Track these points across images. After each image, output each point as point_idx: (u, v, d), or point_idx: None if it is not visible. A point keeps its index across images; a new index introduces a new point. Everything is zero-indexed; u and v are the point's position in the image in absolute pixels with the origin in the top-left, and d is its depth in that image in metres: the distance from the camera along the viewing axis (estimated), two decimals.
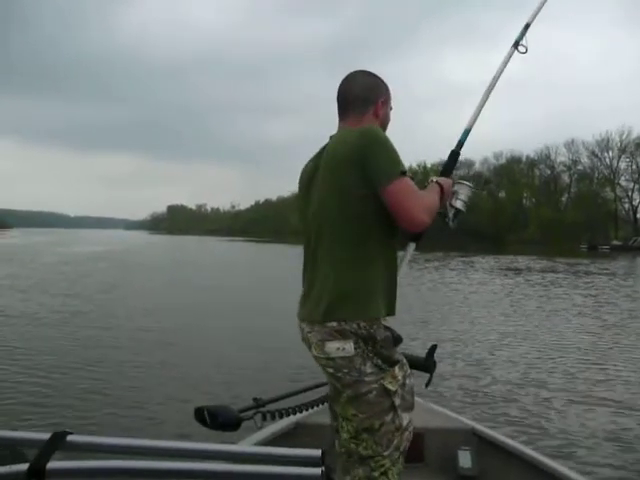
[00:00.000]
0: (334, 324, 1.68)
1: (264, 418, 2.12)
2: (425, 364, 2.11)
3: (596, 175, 74.04)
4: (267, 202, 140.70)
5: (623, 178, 71.35)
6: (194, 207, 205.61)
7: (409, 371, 1.79)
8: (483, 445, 2.64)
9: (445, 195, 1.93)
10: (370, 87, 1.91)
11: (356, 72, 1.96)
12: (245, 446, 1.99)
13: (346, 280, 1.71)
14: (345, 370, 1.68)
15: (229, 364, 6.91)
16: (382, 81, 1.96)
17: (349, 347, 1.66)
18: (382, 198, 1.68)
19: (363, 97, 1.88)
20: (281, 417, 2.23)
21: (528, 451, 2.56)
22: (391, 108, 1.97)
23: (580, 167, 75.09)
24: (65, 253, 33.34)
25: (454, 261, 29.02)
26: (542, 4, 2.42)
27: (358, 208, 1.71)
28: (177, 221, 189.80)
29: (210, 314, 11.16)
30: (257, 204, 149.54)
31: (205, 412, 1.95)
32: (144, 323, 9.89)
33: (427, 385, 2.14)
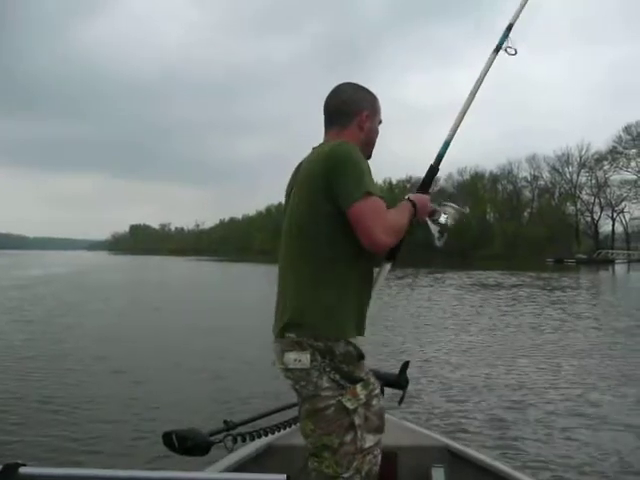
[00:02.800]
0: (292, 335, 1.67)
1: (235, 441, 2.05)
2: (398, 381, 2.07)
3: (558, 189, 75.31)
4: (232, 221, 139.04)
5: (584, 192, 72.82)
6: (158, 226, 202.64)
7: (377, 391, 1.73)
8: (457, 462, 2.62)
9: (420, 212, 1.88)
10: (354, 99, 1.88)
11: (342, 84, 1.93)
12: (210, 473, 2.04)
13: (308, 297, 1.69)
14: (302, 383, 1.66)
15: (197, 387, 6.63)
16: (369, 93, 1.94)
17: (305, 359, 1.64)
18: (347, 218, 1.66)
19: (345, 109, 1.87)
20: (252, 439, 2.18)
21: (502, 467, 2.53)
22: (380, 121, 1.95)
23: (542, 182, 76.45)
24: (18, 276, 31.60)
25: (426, 277, 28.58)
26: (524, 3, 2.31)
27: (326, 226, 1.69)
28: (140, 241, 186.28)
29: (173, 336, 10.71)
30: (222, 223, 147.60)
31: (173, 436, 1.88)
32: (100, 348, 9.21)
33: (400, 402, 2.12)
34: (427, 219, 1.95)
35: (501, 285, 24.21)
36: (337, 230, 1.68)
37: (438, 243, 1.95)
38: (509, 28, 2.29)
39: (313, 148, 1.86)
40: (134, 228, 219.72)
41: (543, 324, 12.18)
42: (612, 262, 56.56)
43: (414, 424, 3.17)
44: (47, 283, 26.06)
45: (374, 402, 1.70)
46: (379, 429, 1.70)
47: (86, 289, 22.75)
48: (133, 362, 8.21)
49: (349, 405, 1.63)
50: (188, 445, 1.89)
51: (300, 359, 1.64)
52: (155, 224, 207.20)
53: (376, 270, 1.94)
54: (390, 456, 1.80)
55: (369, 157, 1.91)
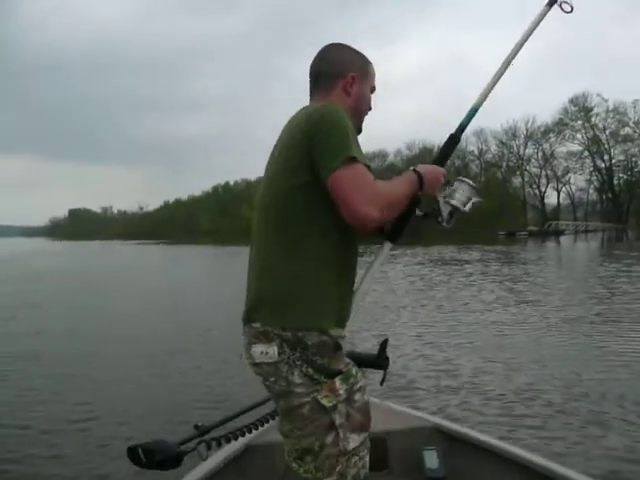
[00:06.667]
0: (258, 324, 1.49)
1: (209, 447, 1.80)
2: (377, 361, 1.89)
3: (505, 163, 75.88)
4: (177, 202, 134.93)
5: (531, 165, 73.64)
6: (99, 210, 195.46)
7: (360, 384, 1.52)
8: (449, 442, 2.51)
9: (428, 186, 1.63)
10: (340, 60, 1.68)
11: (328, 45, 1.74)
12: None
13: (274, 276, 1.50)
14: (272, 378, 1.48)
15: (157, 389, 5.79)
16: (359, 54, 1.72)
17: (272, 351, 1.46)
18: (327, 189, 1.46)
19: (330, 71, 1.67)
20: (228, 442, 1.94)
21: (497, 443, 2.45)
22: (373, 88, 1.73)
23: (490, 155, 76.82)
24: None
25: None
26: None
27: (303, 198, 1.49)
28: (80, 225, 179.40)
29: (121, 326, 9.59)
30: (167, 204, 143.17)
31: (139, 451, 1.68)
32: (34, 348, 7.95)
33: (382, 383, 1.94)
34: (438, 196, 1.69)
35: (461, 260, 23.53)
36: (317, 203, 1.47)
37: (445, 224, 1.69)
38: None
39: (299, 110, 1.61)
40: (73, 212, 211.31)
41: (514, 298, 11.68)
42: (562, 233, 57.40)
43: (401, 405, 2.98)
44: None
45: (357, 397, 1.49)
46: (364, 427, 1.50)
47: (17, 279, 20.19)
48: (71, 362, 7.14)
49: (326, 402, 1.45)
50: (157, 458, 1.66)
51: (267, 351, 1.45)
52: (96, 208, 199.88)
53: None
54: (378, 442, 1.76)
55: (359, 131, 1.66)
